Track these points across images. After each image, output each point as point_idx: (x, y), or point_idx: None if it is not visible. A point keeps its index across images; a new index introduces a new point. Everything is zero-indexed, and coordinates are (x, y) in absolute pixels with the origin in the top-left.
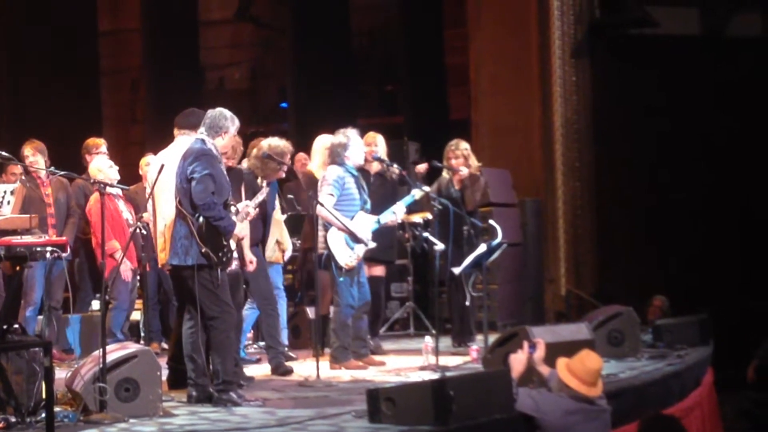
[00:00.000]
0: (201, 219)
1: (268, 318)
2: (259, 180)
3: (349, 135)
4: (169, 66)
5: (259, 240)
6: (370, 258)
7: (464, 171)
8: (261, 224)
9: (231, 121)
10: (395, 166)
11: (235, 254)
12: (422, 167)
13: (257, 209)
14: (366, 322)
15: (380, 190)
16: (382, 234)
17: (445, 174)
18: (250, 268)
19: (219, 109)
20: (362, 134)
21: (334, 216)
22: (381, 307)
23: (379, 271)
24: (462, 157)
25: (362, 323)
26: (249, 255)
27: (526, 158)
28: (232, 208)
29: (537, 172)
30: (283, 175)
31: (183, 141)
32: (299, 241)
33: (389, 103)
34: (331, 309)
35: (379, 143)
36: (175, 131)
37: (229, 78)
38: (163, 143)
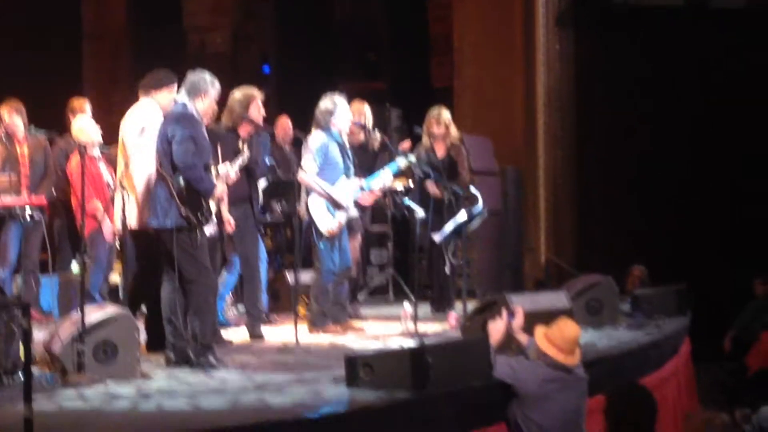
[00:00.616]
0: (181, 181)
1: (250, 283)
2: (240, 143)
3: (336, 101)
4: (151, 29)
5: (246, 197)
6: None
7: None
8: (246, 182)
9: (211, 84)
10: (377, 132)
11: (213, 218)
12: (406, 144)
13: (238, 172)
14: (346, 288)
15: (360, 159)
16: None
17: (425, 140)
18: (229, 228)
19: (198, 72)
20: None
21: (315, 182)
22: (357, 271)
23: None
24: (444, 126)
25: (342, 289)
26: (226, 215)
27: (508, 127)
28: (213, 170)
29: (519, 140)
30: (251, 127)
31: (149, 102)
32: (280, 205)
33: (371, 69)
34: (311, 274)
35: (366, 112)
36: (140, 93)
37: (210, 42)
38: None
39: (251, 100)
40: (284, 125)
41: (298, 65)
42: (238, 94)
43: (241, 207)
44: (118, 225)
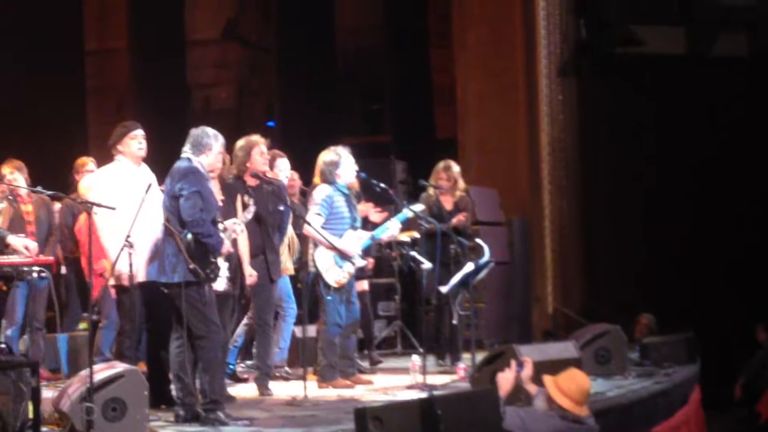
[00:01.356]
0: (189, 236)
1: (261, 337)
2: (246, 198)
3: (340, 153)
4: (156, 86)
5: (260, 250)
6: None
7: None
8: (260, 234)
9: (214, 138)
10: (383, 185)
11: (226, 272)
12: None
13: (244, 225)
14: (354, 341)
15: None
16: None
17: (430, 192)
18: (250, 281)
19: (201, 127)
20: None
21: (320, 235)
22: (370, 320)
23: (360, 285)
24: (453, 179)
25: (350, 342)
26: (248, 268)
27: (512, 177)
28: (220, 226)
29: (524, 191)
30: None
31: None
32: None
33: (375, 121)
34: (316, 328)
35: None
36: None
37: (215, 98)
38: (149, 163)
39: (253, 146)
40: (290, 178)
41: (302, 118)
42: (241, 142)
43: (255, 260)
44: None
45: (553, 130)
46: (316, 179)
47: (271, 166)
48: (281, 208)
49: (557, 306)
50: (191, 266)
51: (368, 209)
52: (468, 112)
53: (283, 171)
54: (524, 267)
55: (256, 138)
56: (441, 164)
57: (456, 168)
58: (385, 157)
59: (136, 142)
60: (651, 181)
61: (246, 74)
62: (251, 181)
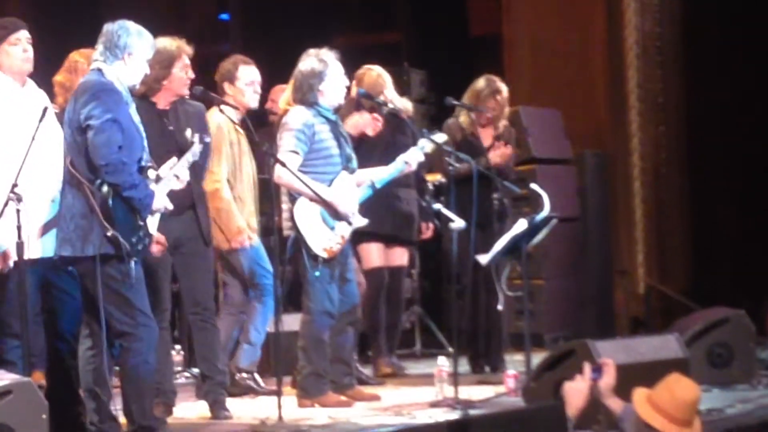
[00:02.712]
0: (105, 188)
1: (202, 332)
2: (188, 132)
3: (326, 59)
4: None
5: (189, 204)
6: (388, 237)
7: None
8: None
9: (138, 37)
10: (392, 106)
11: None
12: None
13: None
14: (351, 337)
15: (365, 146)
16: (396, 201)
17: (462, 118)
18: (155, 249)
19: (119, 21)
20: (342, 58)
21: (300, 181)
22: (400, 311)
23: (400, 257)
24: (500, 105)
25: (345, 339)
26: (155, 232)
27: (584, 92)
28: (151, 173)
29: (601, 112)
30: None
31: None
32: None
33: (381, 12)
34: (301, 319)
35: (386, 82)
36: None
37: None
38: (39, 81)
39: (177, 56)
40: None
41: (271, 10)
42: (161, 44)
43: (181, 217)
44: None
45: (643, 22)
46: (282, 102)
47: (232, 78)
48: (207, 140)
49: (652, 282)
50: (109, 233)
51: (365, 122)
52: None
53: (250, 84)
54: (603, 226)
55: (180, 44)
56: (483, 82)
57: (506, 91)
58: (395, 63)
59: (18, 49)
60: None
61: None
62: (163, 102)
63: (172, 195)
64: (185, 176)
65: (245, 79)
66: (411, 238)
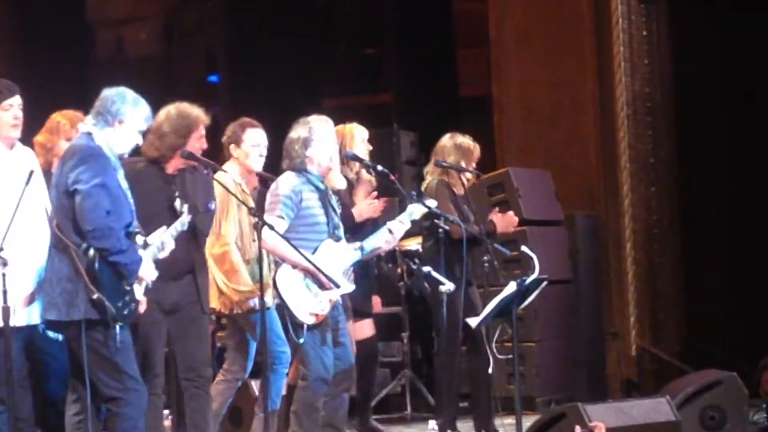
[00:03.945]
0: (91, 251)
1: (195, 400)
2: (177, 203)
3: (313, 125)
4: (41, 20)
5: (189, 269)
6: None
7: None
8: (186, 247)
9: (132, 106)
10: (380, 168)
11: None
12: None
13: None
14: (345, 402)
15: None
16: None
17: (445, 178)
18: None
19: (118, 88)
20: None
21: (285, 248)
22: (373, 378)
23: (364, 329)
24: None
25: (340, 405)
26: (139, 293)
27: (575, 153)
28: (139, 238)
29: (592, 173)
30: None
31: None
32: None
33: (370, 73)
34: (286, 381)
35: (356, 136)
36: None
37: (131, 40)
38: (28, 143)
39: (194, 126)
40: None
41: (259, 72)
42: (173, 111)
43: (179, 282)
44: None
45: (633, 83)
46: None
47: (238, 141)
48: (212, 206)
49: (644, 345)
50: (95, 296)
51: (365, 207)
52: (506, 57)
53: (256, 147)
54: (594, 287)
55: (198, 114)
56: (459, 139)
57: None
58: (385, 125)
59: (9, 115)
60: None
61: (177, 5)
62: (171, 168)
63: (171, 261)
64: (170, 245)
65: (251, 142)
66: (370, 311)
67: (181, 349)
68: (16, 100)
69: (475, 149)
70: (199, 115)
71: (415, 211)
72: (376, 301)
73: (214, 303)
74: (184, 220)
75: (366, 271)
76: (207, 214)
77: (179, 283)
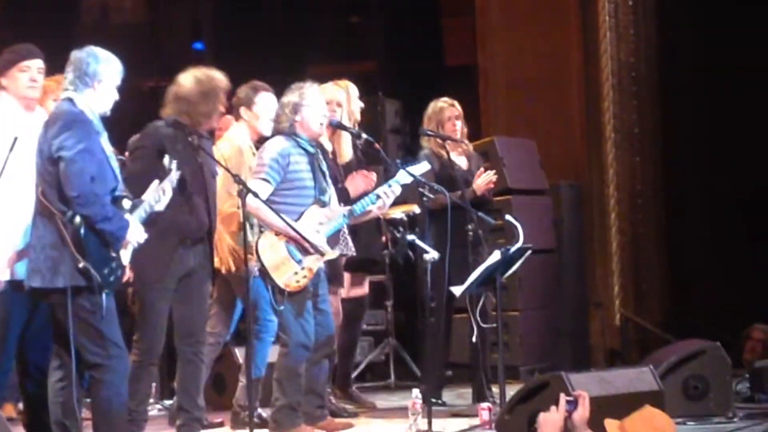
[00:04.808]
0: (77, 219)
1: (190, 365)
2: (166, 160)
3: (304, 91)
4: None
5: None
6: (349, 267)
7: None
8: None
9: (106, 63)
10: (365, 137)
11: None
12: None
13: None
14: (326, 369)
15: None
16: (361, 231)
17: (435, 147)
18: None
19: (87, 48)
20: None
21: (268, 213)
22: (356, 338)
23: (359, 288)
24: (462, 120)
25: (320, 371)
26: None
27: (560, 122)
28: (126, 202)
29: (577, 142)
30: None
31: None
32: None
33: (355, 41)
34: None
35: (351, 95)
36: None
37: (115, 7)
38: None
39: (221, 92)
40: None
41: (245, 39)
42: (201, 78)
43: (198, 248)
44: None
45: (619, 52)
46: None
47: (249, 104)
48: (199, 160)
49: (627, 314)
50: (81, 264)
51: (360, 181)
52: (491, 26)
53: (268, 112)
54: (578, 257)
55: (221, 78)
56: (440, 103)
57: (456, 111)
58: (369, 93)
59: (25, 76)
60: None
61: None
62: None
63: (196, 226)
64: (165, 201)
65: (263, 105)
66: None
67: (181, 314)
68: (35, 63)
69: (445, 111)
70: (222, 79)
71: (402, 177)
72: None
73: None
74: (173, 177)
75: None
76: (215, 179)
77: (196, 249)
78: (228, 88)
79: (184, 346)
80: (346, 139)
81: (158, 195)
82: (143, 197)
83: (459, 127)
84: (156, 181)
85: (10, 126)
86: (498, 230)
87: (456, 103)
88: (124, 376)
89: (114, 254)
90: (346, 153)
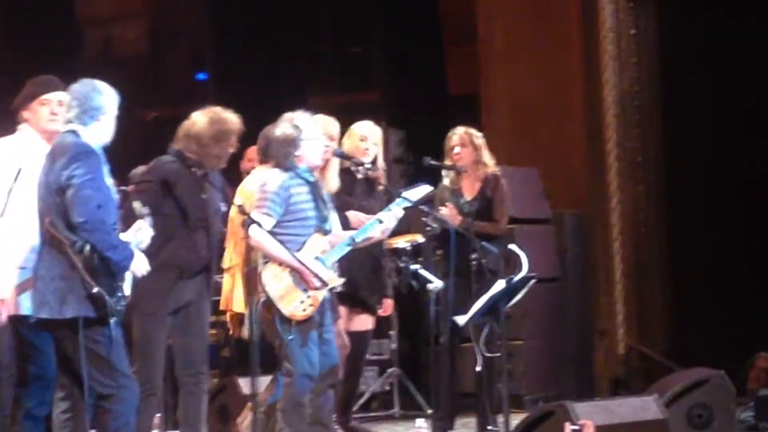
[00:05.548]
0: (87, 247)
1: (192, 396)
2: (138, 205)
3: (301, 123)
4: (32, 21)
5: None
6: (350, 300)
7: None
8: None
9: (108, 97)
10: (367, 166)
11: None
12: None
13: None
14: (331, 398)
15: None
16: (366, 263)
17: (445, 180)
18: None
19: (88, 82)
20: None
21: (271, 245)
22: (359, 373)
23: (363, 322)
24: (470, 145)
25: (325, 401)
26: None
27: (563, 152)
28: (122, 235)
29: (580, 171)
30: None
31: (32, 130)
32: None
33: (357, 71)
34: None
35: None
36: (20, 116)
37: (118, 39)
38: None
39: (232, 134)
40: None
41: (247, 70)
42: (214, 118)
43: (196, 281)
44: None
45: (621, 81)
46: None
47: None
48: (223, 207)
49: (632, 343)
50: (95, 290)
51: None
52: (494, 55)
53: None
54: (582, 286)
55: (234, 121)
56: (456, 131)
57: (477, 135)
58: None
59: (45, 109)
60: None
61: (163, 4)
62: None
63: (194, 259)
64: (147, 239)
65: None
66: (374, 306)
67: (181, 344)
68: (56, 96)
69: (448, 140)
70: (236, 122)
71: (402, 203)
72: (388, 304)
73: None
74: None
75: (376, 264)
76: (218, 215)
77: (195, 280)
78: (241, 130)
79: (184, 377)
80: (333, 169)
81: (139, 236)
82: (126, 234)
83: (464, 155)
84: (137, 224)
85: (27, 155)
86: (503, 260)
87: (460, 130)
88: (133, 405)
89: (120, 283)
90: (333, 183)
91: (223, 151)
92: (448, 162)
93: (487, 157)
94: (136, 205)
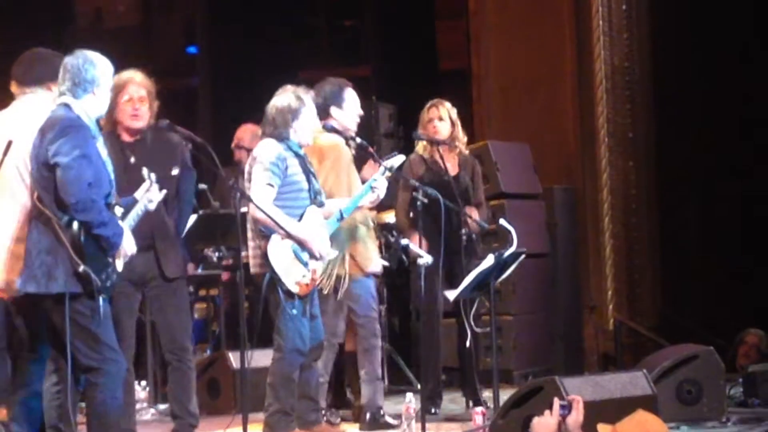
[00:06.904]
0: (75, 224)
1: (177, 373)
2: (145, 171)
3: (303, 97)
4: None
5: (149, 241)
6: None
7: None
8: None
9: (102, 69)
10: (359, 141)
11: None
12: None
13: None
14: (316, 373)
15: None
16: None
17: (421, 150)
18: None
19: (81, 54)
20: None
21: (275, 216)
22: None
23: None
24: (449, 120)
25: (312, 375)
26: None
27: (553, 127)
28: (117, 209)
29: (571, 146)
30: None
31: (28, 102)
32: (217, 254)
33: (348, 45)
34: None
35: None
36: (14, 88)
37: (109, 11)
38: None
39: (120, 89)
40: (252, 132)
41: (239, 43)
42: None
43: (146, 256)
44: None
45: (612, 56)
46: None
47: (340, 102)
48: (174, 172)
49: (621, 318)
50: (81, 268)
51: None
52: (485, 29)
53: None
54: (572, 261)
55: (128, 76)
56: (427, 104)
57: (451, 108)
58: (363, 97)
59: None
60: (761, 130)
61: None
62: (126, 134)
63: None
64: (152, 207)
65: (351, 102)
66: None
67: (161, 323)
68: None
69: (426, 112)
70: (127, 78)
71: (387, 168)
72: None
73: None
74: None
75: None
76: (169, 179)
77: (143, 256)
78: (139, 84)
79: (168, 354)
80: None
81: (149, 195)
82: (136, 195)
83: (442, 129)
84: (146, 182)
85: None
86: (491, 234)
87: (442, 103)
88: (120, 379)
89: (110, 259)
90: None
91: (114, 107)
92: (422, 132)
93: (461, 134)
94: (144, 172)
